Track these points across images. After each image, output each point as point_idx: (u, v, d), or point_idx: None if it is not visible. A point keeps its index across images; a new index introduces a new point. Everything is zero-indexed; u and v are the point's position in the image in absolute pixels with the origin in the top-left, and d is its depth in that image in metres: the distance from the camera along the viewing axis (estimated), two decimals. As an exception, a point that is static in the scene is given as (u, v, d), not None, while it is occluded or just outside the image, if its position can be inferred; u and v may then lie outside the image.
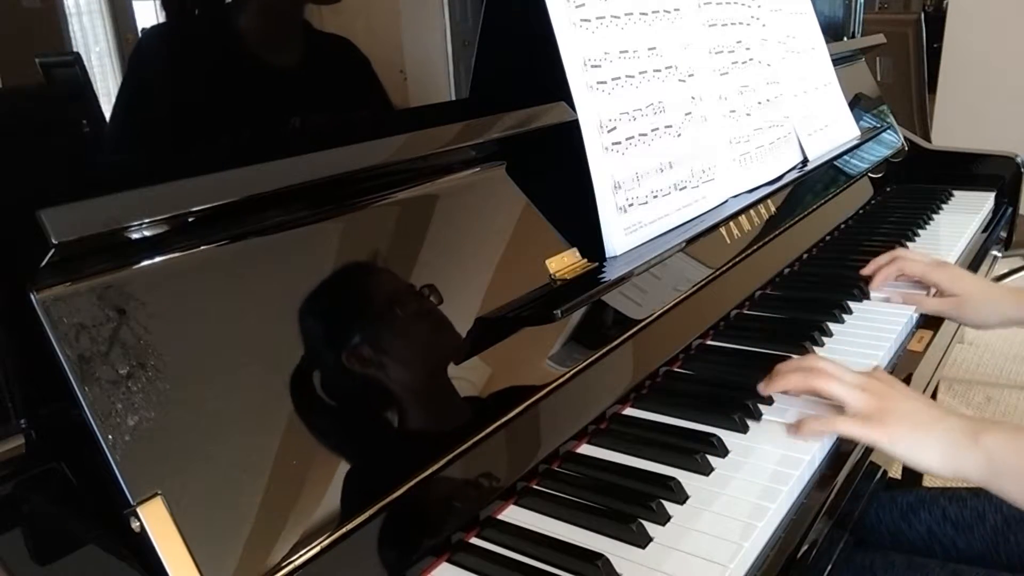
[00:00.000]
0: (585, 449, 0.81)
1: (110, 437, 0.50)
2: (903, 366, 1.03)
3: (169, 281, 0.57)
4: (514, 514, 0.71)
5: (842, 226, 1.50)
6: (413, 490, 0.64)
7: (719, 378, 0.93)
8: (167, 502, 0.51)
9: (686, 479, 0.73)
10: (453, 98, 0.89)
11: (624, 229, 0.92)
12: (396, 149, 0.73)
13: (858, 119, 1.59)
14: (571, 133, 0.88)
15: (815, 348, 1.01)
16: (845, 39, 1.90)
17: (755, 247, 1.16)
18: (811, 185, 1.40)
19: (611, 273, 0.85)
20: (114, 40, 0.59)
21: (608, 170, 0.91)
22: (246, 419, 0.57)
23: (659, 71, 1.02)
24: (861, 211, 1.60)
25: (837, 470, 0.79)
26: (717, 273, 1.06)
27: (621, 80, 0.95)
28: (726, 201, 1.11)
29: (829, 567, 0.78)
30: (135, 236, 0.55)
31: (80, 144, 0.59)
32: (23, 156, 0.56)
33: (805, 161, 1.34)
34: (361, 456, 0.63)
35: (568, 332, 0.84)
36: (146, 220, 0.54)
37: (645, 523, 0.67)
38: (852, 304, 1.13)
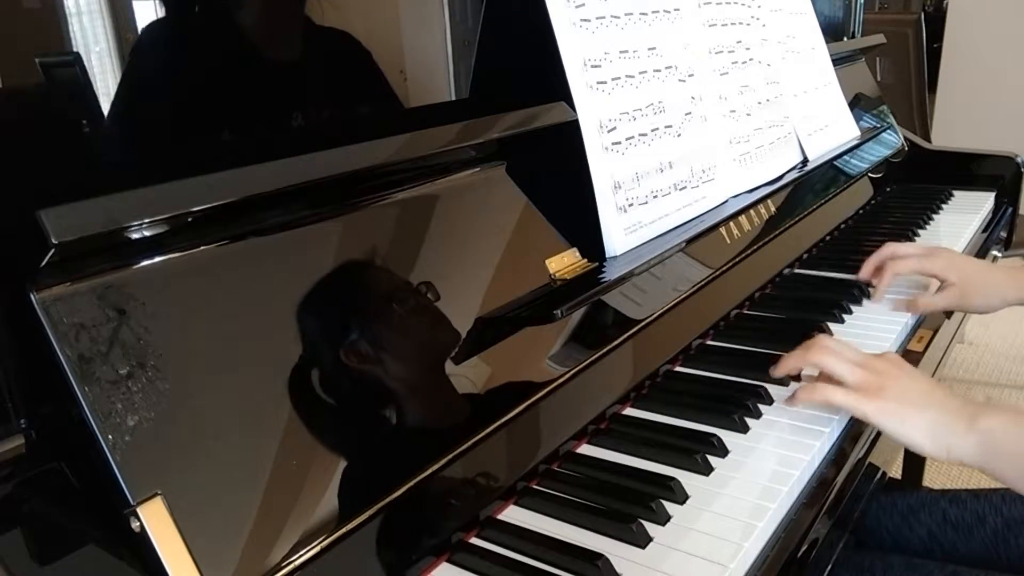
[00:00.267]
0: (585, 449, 0.81)
1: (110, 437, 0.50)
2: (903, 366, 1.02)
3: (169, 281, 0.57)
4: (514, 514, 0.71)
5: (842, 226, 1.50)
6: (413, 490, 0.64)
7: (719, 378, 0.93)
8: (167, 502, 0.51)
9: (686, 479, 0.73)
10: (453, 98, 0.89)
11: (624, 229, 0.92)
12: (396, 149, 0.73)
13: (858, 119, 1.59)
14: (571, 133, 0.88)
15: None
16: (845, 39, 1.90)
17: (755, 247, 1.16)
18: (811, 185, 1.40)
19: (611, 273, 0.85)
20: (114, 40, 0.59)
21: (608, 170, 0.91)
22: (246, 419, 0.57)
23: (659, 71, 1.02)
24: (861, 211, 1.60)
25: (837, 470, 0.79)
26: (717, 273, 1.06)
27: (621, 80, 0.95)
28: (726, 201, 1.11)
29: (829, 567, 0.78)
30: (135, 236, 0.55)
31: (80, 144, 0.59)
32: (23, 156, 0.56)
33: (805, 161, 1.34)
34: (361, 456, 0.63)
35: (568, 332, 0.84)
36: (146, 220, 0.54)
37: (645, 523, 0.67)
38: (852, 304, 1.13)
